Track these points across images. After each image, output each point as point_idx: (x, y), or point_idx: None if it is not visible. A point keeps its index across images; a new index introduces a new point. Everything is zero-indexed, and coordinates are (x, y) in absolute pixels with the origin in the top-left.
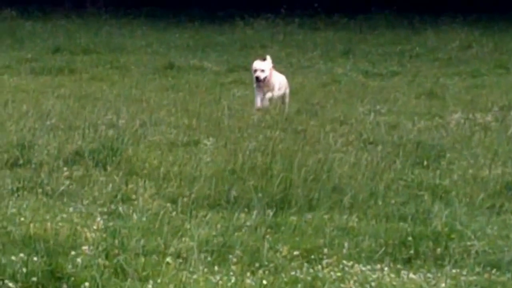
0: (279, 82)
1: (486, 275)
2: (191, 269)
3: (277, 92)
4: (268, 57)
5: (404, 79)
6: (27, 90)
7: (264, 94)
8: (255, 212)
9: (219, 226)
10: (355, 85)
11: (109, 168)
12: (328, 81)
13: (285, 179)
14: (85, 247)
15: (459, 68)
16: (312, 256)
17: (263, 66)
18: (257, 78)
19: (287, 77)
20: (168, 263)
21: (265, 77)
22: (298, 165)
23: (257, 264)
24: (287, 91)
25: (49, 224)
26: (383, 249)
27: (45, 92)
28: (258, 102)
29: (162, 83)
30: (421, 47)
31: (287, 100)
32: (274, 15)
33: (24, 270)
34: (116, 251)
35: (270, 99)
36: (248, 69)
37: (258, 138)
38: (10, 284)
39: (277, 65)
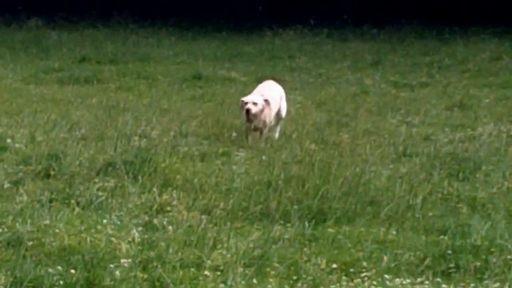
0: (273, 108)
1: None
2: (229, 282)
3: (268, 125)
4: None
5: (434, 90)
6: (55, 99)
7: (255, 130)
8: (293, 225)
9: (256, 238)
10: (385, 96)
11: (141, 179)
12: (357, 92)
13: (322, 191)
14: (123, 260)
15: (489, 80)
16: (351, 269)
17: (257, 100)
18: (247, 111)
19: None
20: (206, 275)
21: (256, 112)
22: (335, 177)
23: (295, 277)
24: (283, 105)
25: (84, 236)
26: (423, 262)
27: (73, 102)
28: (250, 140)
29: (190, 93)
30: (450, 58)
31: (283, 115)
32: (303, 25)
33: (62, 282)
34: (154, 263)
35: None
36: (276, 79)
37: (291, 149)
38: None
39: (305, 76)
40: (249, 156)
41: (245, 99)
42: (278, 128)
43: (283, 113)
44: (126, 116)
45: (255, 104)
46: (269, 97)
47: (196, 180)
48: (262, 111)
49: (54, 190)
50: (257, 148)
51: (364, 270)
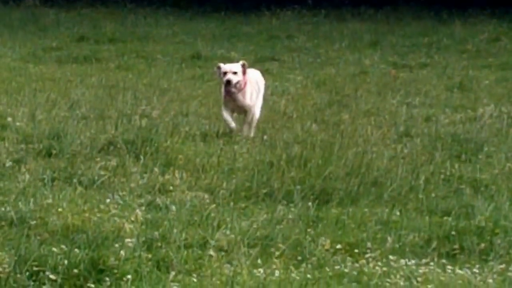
0: (255, 89)
1: None
2: (234, 262)
3: (254, 101)
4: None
5: (433, 71)
6: (54, 78)
7: (235, 108)
8: (296, 205)
9: (260, 218)
10: (384, 76)
11: (143, 159)
12: (356, 72)
13: (324, 171)
14: (127, 240)
15: (488, 61)
16: (356, 250)
17: (236, 68)
18: (228, 82)
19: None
20: (210, 255)
21: (238, 82)
22: (337, 158)
23: (299, 258)
24: (260, 95)
25: (87, 215)
26: (427, 243)
27: (72, 81)
28: (232, 122)
29: (190, 73)
30: (448, 39)
31: (258, 103)
32: (300, 6)
33: (66, 262)
34: (158, 243)
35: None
36: (275, 59)
37: (292, 129)
38: (52, 276)
39: (304, 56)
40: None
41: (222, 66)
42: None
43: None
44: (126, 95)
45: (234, 73)
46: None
47: (198, 160)
48: (244, 83)
49: (56, 169)
50: (244, 136)
51: (368, 251)
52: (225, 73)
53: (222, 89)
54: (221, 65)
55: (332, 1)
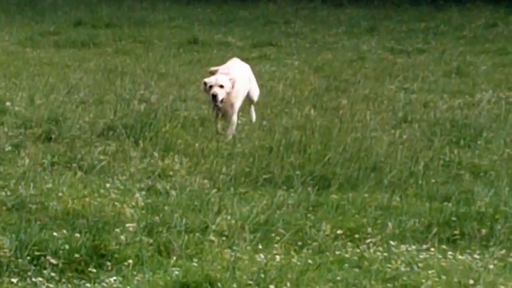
0: (241, 88)
1: None
2: (234, 247)
3: (237, 109)
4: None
5: (431, 56)
6: (52, 63)
7: (223, 114)
8: (296, 190)
9: (260, 204)
10: (381, 62)
11: (142, 144)
12: (354, 57)
13: (324, 157)
14: (129, 224)
15: (485, 46)
16: (356, 235)
17: (222, 81)
18: (214, 97)
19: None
20: (211, 240)
21: (224, 97)
22: (336, 143)
23: (300, 243)
24: (253, 87)
25: (87, 200)
26: (427, 229)
27: (70, 65)
28: (220, 128)
29: (187, 58)
30: (445, 25)
31: (255, 98)
32: None
33: (67, 246)
34: (159, 228)
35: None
36: (273, 44)
37: (291, 114)
38: (53, 260)
39: (302, 41)
40: (249, 121)
41: (208, 80)
42: (253, 112)
43: (255, 96)
44: (124, 80)
45: (221, 87)
46: (237, 78)
47: (197, 144)
48: (230, 93)
49: (56, 153)
50: (226, 141)
51: (369, 236)
52: (210, 86)
53: (210, 101)
54: (206, 80)
55: None
